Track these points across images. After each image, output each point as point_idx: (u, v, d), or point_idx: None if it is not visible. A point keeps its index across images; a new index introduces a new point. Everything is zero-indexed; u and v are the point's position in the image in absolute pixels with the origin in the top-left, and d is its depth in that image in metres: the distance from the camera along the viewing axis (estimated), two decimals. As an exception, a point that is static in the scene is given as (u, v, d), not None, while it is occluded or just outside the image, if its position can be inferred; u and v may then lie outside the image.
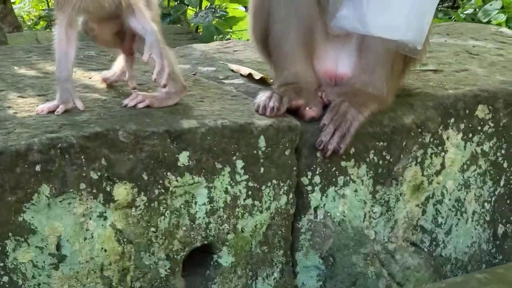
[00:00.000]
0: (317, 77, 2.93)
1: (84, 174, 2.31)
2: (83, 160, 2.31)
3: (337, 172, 2.77)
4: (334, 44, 2.95)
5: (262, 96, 2.72)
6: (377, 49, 2.84)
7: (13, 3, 8.69)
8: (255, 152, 2.59)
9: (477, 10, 8.23)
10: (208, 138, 2.49)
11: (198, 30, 7.36)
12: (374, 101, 2.83)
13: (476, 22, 7.83)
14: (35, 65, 3.09)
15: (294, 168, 2.69)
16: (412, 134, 2.89)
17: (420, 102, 2.96)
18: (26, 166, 2.22)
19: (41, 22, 9.39)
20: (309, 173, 2.73)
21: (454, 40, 4.00)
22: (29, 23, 9.46)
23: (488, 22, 7.83)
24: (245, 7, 8.20)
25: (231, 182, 2.56)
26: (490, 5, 8.09)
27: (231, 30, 7.67)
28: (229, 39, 7.94)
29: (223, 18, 6.95)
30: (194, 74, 3.16)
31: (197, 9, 6.96)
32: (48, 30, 8.68)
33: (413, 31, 2.67)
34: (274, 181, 2.65)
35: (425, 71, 3.34)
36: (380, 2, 2.68)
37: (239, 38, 8.14)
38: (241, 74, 3.20)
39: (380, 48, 2.83)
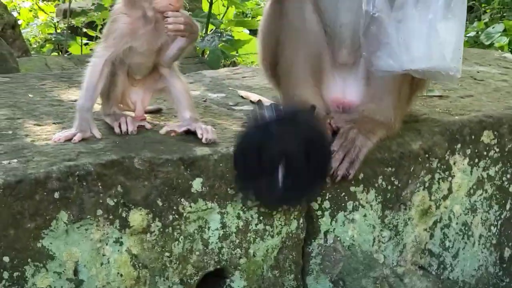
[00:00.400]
0: (325, 104, 2.99)
1: (101, 201, 2.37)
2: (100, 187, 2.36)
3: (346, 197, 2.83)
4: (341, 72, 3.01)
5: (272, 124, 2.78)
6: (384, 77, 2.89)
7: (20, 25, 8.77)
8: (266, 178, 2.64)
9: (480, 33, 8.29)
10: (221, 165, 2.55)
11: (204, 54, 7.44)
12: (382, 128, 2.89)
13: (479, 45, 7.90)
14: (50, 92, 3.15)
15: (304, 194, 2.75)
16: (420, 159, 2.95)
17: (427, 128, 3.02)
18: (45, 193, 2.28)
19: (47, 45, 9.46)
20: (319, 198, 2.78)
21: (458, 66, 4.05)
22: (35, 46, 9.54)
23: (491, 45, 7.88)
24: (250, 30, 8.29)
25: (243, 207, 2.62)
26: (493, 28, 8.15)
27: (237, 54, 7.74)
28: (235, 62, 8.02)
29: (228, 42, 7.03)
30: (204, 101, 3.22)
31: (204, 33, 7.05)
32: (55, 54, 8.76)
33: (451, 59, 2.71)
34: (285, 206, 2.70)
35: (431, 97, 3.39)
36: (408, 35, 2.71)
37: (243, 61, 8.21)
38: (250, 101, 3.25)
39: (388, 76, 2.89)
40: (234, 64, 7.85)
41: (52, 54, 8.87)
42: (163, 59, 2.67)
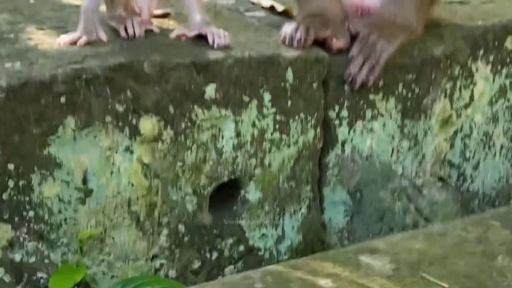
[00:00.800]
0: (343, 8, 2.83)
1: (109, 107, 2.24)
2: (108, 92, 2.23)
3: (365, 106, 2.70)
4: (361, -28, 2.85)
5: (288, 28, 2.63)
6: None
7: None
8: (282, 84, 2.51)
9: None
10: (235, 69, 2.41)
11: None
12: (404, 32, 2.74)
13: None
14: (51, -3, 3.00)
15: (322, 102, 2.62)
16: (442, 66, 2.81)
17: (449, 33, 2.87)
18: (51, 97, 2.14)
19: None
20: (337, 107, 2.66)
21: (477, -28, 3.88)
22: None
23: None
24: None
25: (259, 115, 2.49)
26: None
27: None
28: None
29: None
30: (214, 7, 3.06)
31: None
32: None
33: None
34: (302, 115, 2.58)
35: (451, 3, 3.23)
36: None
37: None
38: (262, 7, 3.10)
39: (410, -24, 2.74)
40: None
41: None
42: None
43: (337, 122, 2.67)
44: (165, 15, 2.77)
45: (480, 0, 3.31)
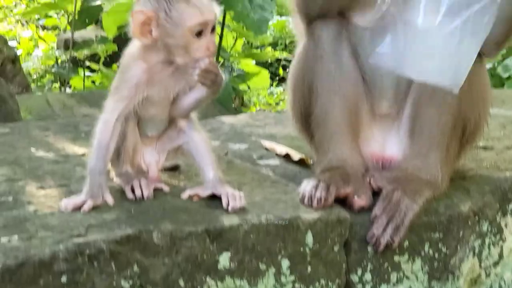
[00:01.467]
0: (364, 161, 2.67)
1: (114, 284, 2.04)
2: (114, 267, 2.03)
3: (389, 268, 2.50)
4: (381, 124, 2.70)
5: (307, 185, 2.46)
6: (431, 131, 2.60)
7: (20, 57, 8.46)
8: (302, 249, 2.32)
9: (496, 65, 8.01)
10: (251, 236, 2.23)
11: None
12: (429, 188, 2.57)
13: (495, 77, 7.61)
14: (54, 145, 2.84)
15: (344, 265, 2.42)
16: (470, 223, 2.63)
17: (476, 187, 2.71)
18: (51, 277, 1.95)
19: (47, 75, 9.17)
20: (359, 270, 2.46)
21: (497, 109, 3.73)
22: (35, 77, 9.24)
23: (508, 78, 7.63)
24: (257, 62, 8.00)
25: (276, 284, 2.29)
26: (510, 60, 7.88)
27: (248, 89, 7.43)
28: (243, 98, 7.69)
29: (239, 77, 6.70)
30: (226, 154, 2.90)
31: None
32: (56, 86, 8.47)
33: (452, 76, 2.46)
34: (323, 281, 2.38)
35: (474, 148, 3.07)
36: (421, 45, 2.45)
37: (254, 91, 7.88)
38: (276, 154, 2.94)
39: (435, 130, 2.59)
40: (242, 100, 7.53)
41: (53, 86, 8.58)
42: (177, 110, 2.37)
43: (359, 286, 2.47)
44: (174, 168, 2.61)
45: (504, 144, 3.16)
